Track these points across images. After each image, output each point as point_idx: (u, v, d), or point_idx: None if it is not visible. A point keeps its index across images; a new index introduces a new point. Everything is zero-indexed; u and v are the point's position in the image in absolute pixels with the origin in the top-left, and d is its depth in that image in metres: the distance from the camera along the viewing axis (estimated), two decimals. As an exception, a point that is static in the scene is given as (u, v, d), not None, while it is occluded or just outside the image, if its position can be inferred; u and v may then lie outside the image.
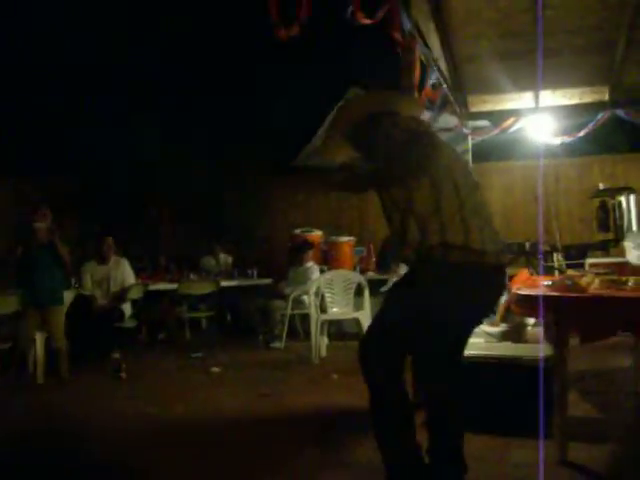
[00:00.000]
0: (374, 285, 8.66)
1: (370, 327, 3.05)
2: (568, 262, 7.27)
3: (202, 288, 8.66)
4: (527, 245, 9.42)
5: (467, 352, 3.18)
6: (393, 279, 7.42)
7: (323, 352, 7.44)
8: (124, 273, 8.06)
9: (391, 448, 2.89)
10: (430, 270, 2.74)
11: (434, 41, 6.23)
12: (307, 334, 7.75)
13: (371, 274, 9.30)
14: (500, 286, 2.97)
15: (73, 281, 7.95)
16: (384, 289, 7.51)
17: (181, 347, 8.30)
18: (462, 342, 3.01)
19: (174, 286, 8.59)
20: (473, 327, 3.13)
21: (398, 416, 2.88)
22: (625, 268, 4.32)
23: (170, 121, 11.17)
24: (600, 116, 7.94)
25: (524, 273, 4.09)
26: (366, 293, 7.37)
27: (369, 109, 3.01)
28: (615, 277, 3.79)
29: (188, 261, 10.10)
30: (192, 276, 9.36)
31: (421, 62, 5.43)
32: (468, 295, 2.71)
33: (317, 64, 11.06)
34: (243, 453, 4.01)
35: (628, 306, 3.23)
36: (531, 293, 3.58)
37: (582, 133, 8.08)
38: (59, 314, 6.65)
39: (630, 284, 3.55)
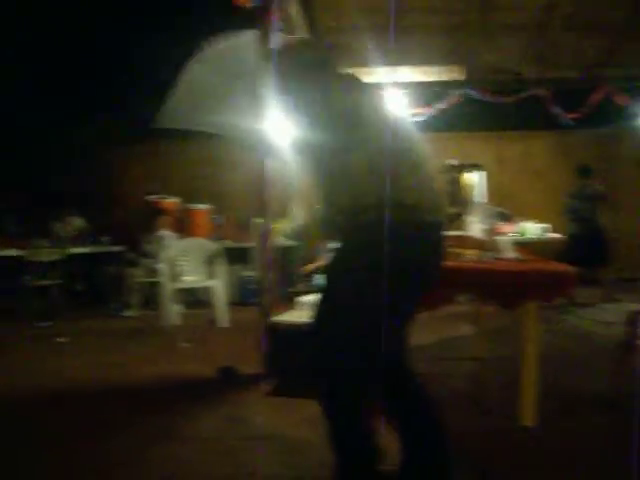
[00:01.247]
0: (231, 253, 8.63)
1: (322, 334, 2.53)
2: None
3: (50, 255, 8.28)
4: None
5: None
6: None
7: (176, 321, 7.33)
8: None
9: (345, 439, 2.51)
10: (365, 235, 2.43)
11: (294, 10, 6.20)
12: (161, 303, 7.61)
13: (228, 242, 9.25)
14: (440, 245, 2.62)
15: None
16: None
17: (26, 316, 7.92)
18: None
19: (21, 253, 8.16)
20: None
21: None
22: (466, 241, 4.49)
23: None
24: (452, 94, 8.23)
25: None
26: (220, 262, 7.30)
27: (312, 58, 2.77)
28: (455, 250, 3.94)
29: (37, 226, 9.61)
30: (43, 242, 8.92)
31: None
32: (412, 257, 2.44)
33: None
34: (80, 423, 3.87)
35: (463, 276, 3.39)
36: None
37: (434, 111, 8.32)
38: None
39: (468, 257, 3.72)
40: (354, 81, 2.75)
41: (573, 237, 8.25)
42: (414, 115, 8.59)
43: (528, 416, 3.49)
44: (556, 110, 8.13)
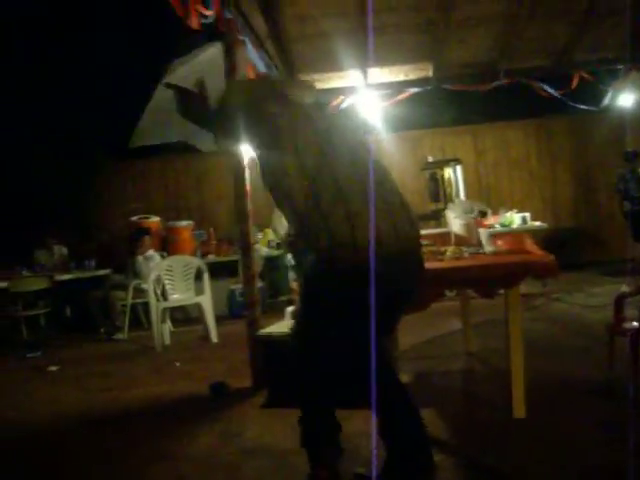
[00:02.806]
0: (216, 268, 8.62)
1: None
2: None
3: (35, 284, 8.23)
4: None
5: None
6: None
7: (167, 340, 7.31)
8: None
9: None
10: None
11: (259, 22, 6.21)
12: (150, 323, 7.59)
13: (212, 257, 9.26)
14: (411, 270, 2.63)
15: None
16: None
17: (17, 347, 7.88)
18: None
19: (4, 284, 8.11)
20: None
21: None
22: (448, 238, 4.52)
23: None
24: (423, 90, 8.27)
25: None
26: (206, 277, 7.29)
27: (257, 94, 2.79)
28: (435, 248, 3.96)
29: (20, 256, 9.56)
30: (24, 272, 8.88)
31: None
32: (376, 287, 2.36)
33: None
34: (76, 451, 3.86)
35: (443, 277, 3.40)
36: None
37: (400, 97, 8.34)
38: None
39: (448, 254, 3.73)
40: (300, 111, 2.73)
41: (628, 214, 9.14)
42: (388, 113, 8.62)
43: (519, 407, 3.50)
44: (549, 91, 8.16)
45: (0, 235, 10.36)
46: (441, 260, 3.63)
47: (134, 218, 9.55)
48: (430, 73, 8.22)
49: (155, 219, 9.67)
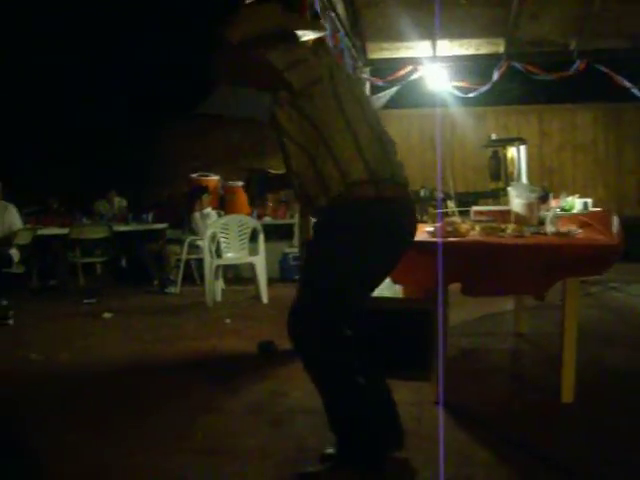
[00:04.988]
0: (271, 231, 8.69)
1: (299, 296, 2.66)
2: (459, 209, 7.47)
3: (95, 232, 8.44)
4: (422, 192, 9.63)
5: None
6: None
7: (218, 297, 7.43)
8: (11, 219, 7.71)
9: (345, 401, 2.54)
10: (355, 213, 2.44)
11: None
12: (203, 279, 7.71)
13: (268, 219, 9.33)
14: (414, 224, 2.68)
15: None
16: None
17: (74, 293, 8.11)
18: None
19: (65, 231, 8.34)
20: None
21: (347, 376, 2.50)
22: (508, 216, 4.45)
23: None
24: (498, 69, 8.08)
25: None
26: (261, 238, 7.35)
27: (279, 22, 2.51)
28: (495, 224, 3.91)
29: (81, 204, 9.79)
30: (85, 220, 9.10)
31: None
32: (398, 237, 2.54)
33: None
34: (127, 397, 3.97)
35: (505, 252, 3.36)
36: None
37: (484, 88, 8.19)
38: None
39: (509, 231, 3.68)
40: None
41: None
42: (459, 89, 8.49)
43: (568, 392, 3.46)
44: (624, 82, 7.90)
45: (62, 184, 10.63)
46: (501, 237, 3.59)
47: (194, 175, 9.66)
48: (501, 49, 8.07)
49: (214, 177, 9.76)
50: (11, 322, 6.36)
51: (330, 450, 2.70)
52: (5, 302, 6.70)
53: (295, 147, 2.50)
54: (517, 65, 8.01)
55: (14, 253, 7.54)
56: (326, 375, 2.52)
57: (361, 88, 2.81)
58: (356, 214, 2.44)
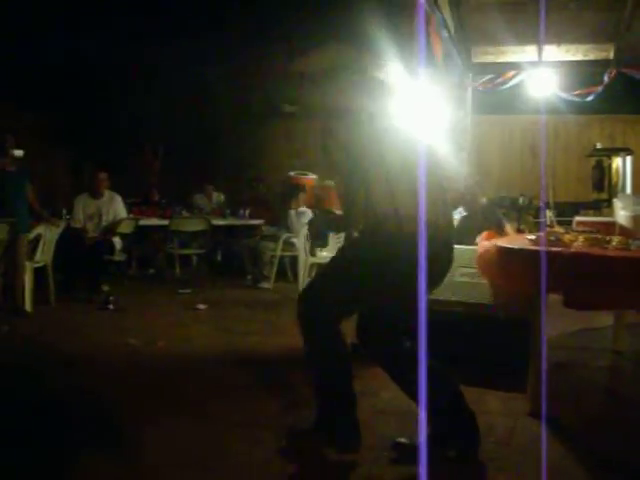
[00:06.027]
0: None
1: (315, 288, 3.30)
2: (558, 219, 7.28)
3: (193, 225, 8.69)
4: (521, 200, 9.42)
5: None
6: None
7: (310, 295, 7.49)
8: (116, 209, 8.04)
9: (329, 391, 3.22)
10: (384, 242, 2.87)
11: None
12: (296, 276, 7.81)
13: (362, 220, 9.32)
14: (448, 260, 3.06)
15: (64, 212, 7.99)
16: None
17: (170, 283, 8.36)
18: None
19: (165, 222, 8.61)
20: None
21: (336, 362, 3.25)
22: (612, 228, 4.31)
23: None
24: (607, 76, 7.83)
25: (490, 232, 3.99)
26: (355, 239, 7.36)
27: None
28: (599, 236, 3.80)
29: (181, 198, 10.08)
30: (184, 213, 9.37)
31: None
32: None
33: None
34: (218, 389, 4.06)
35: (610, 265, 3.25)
36: (512, 246, 3.54)
37: (592, 96, 7.96)
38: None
39: (613, 244, 3.57)
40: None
41: None
42: (573, 95, 8.26)
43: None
44: None
45: (164, 177, 10.96)
46: (606, 248, 3.48)
47: (291, 174, 9.77)
48: (611, 55, 7.79)
49: (311, 176, 9.84)
50: (111, 307, 6.62)
51: (402, 439, 3.01)
52: (107, 288, 6.97)
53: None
54: (627, 72, 7.73)
55: (117, 241, 7.85)
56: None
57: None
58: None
